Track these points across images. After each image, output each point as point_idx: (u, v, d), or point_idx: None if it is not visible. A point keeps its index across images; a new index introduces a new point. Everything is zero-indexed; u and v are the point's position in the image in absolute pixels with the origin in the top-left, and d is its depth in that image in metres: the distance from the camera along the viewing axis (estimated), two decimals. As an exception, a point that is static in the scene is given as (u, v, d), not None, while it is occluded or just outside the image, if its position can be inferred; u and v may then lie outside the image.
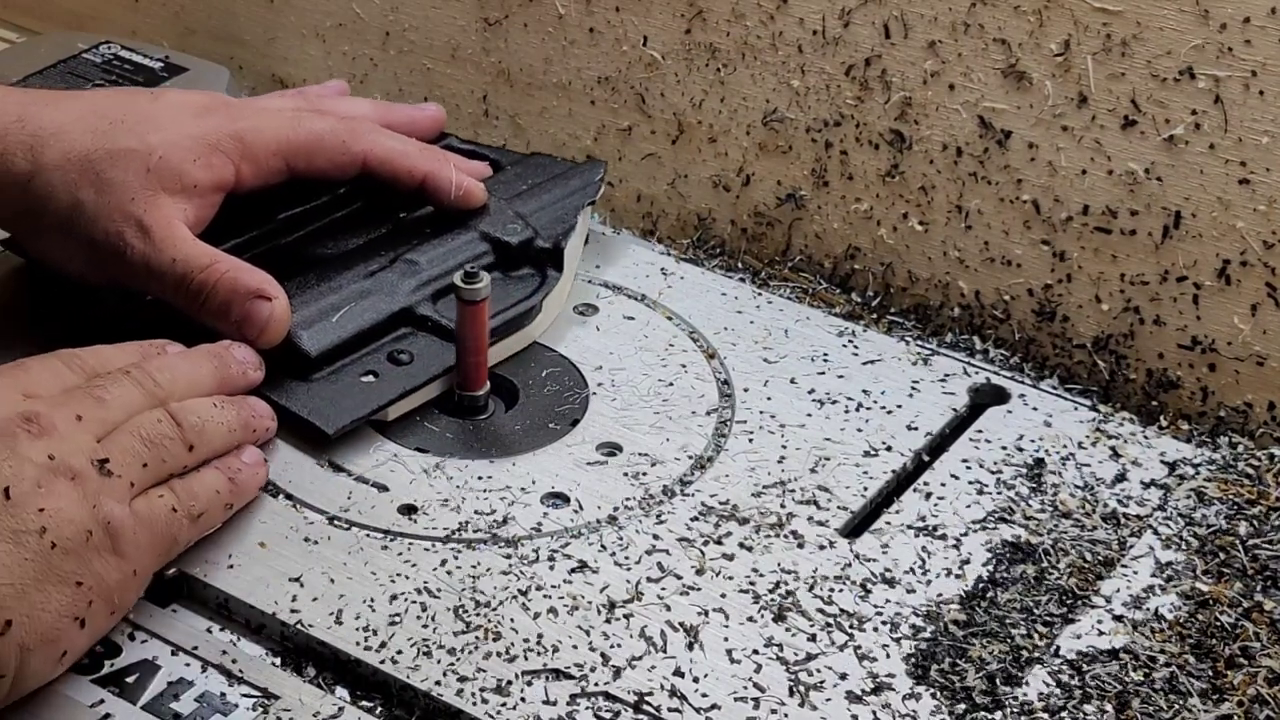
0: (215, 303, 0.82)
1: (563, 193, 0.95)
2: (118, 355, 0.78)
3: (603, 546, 0.77)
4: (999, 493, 0.81)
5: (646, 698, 0.70)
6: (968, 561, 0.77)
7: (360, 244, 0.91)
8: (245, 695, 0.71)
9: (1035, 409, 0.87)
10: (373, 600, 0.74)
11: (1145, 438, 0.85)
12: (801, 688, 0.71)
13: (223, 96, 0.92)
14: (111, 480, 0.70)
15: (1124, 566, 0.77)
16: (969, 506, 0.80)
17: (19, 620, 0.66)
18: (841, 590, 0.76)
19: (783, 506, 0.80)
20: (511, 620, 0.73)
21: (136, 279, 0.84)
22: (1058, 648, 0.73)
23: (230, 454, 0.78)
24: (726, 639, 0.73)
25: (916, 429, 0.85)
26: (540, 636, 0.72)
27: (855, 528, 0.80)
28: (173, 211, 0.84)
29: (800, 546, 0.78)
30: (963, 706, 0.70)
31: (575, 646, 0.72)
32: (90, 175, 0.84)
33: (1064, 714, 0.70)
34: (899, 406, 0.87)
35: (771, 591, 0.75)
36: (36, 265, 0.89)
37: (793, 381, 0.88)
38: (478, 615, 0.73)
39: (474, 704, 0.69)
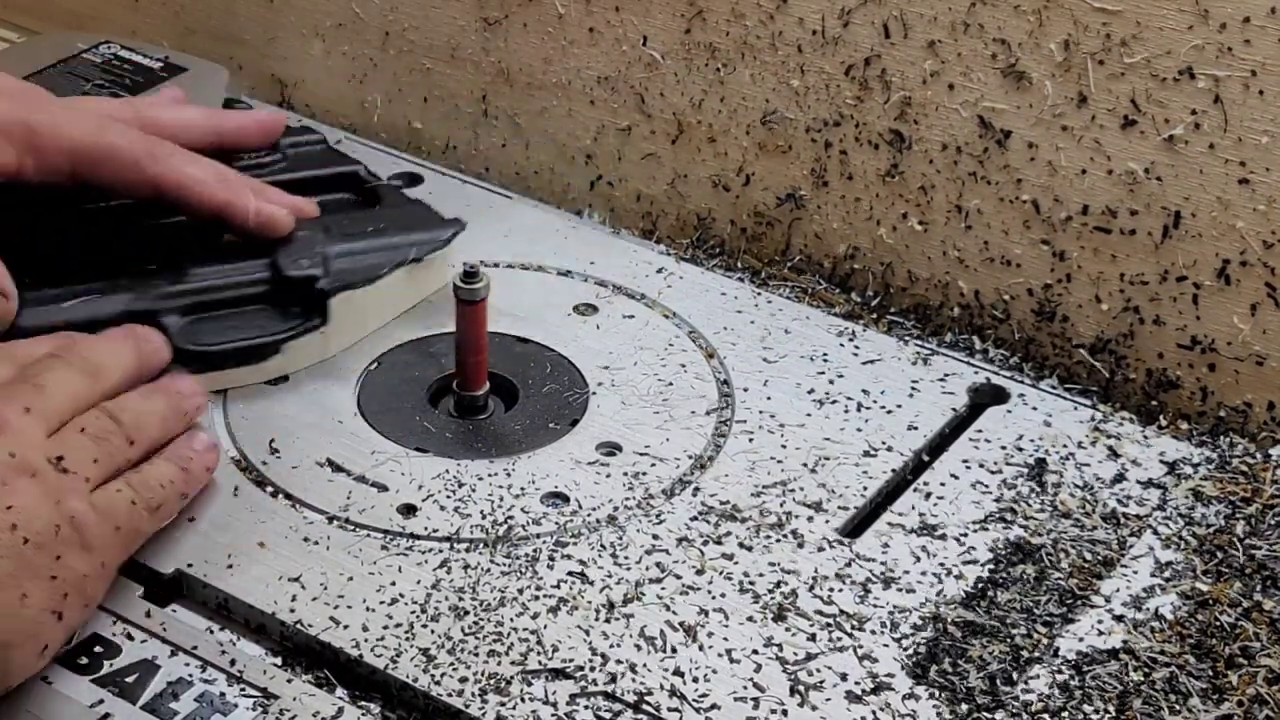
0: None
1: (395, 243, 0.90)
2: (111, 351, 0.79)
3: (603, 546, 0.77)
4: (999, 493, 0.81)
5: (646, 698, 0.70)
6: (968, 561, 0.77)
7: (146, 240, 0.89)
8: (245, 695, 0.71)
9: (1035, 409, 0.87)
10: (372, 600, 0.74)
11: (1145, 437, 0.85)
12: (801, 688, 0.71)
13: (38, 88, 0.90)
14: (69, 477, 0.71)
15: (1124, 566, 0.77)
16: (969, 506, 0.80)
17: (0, 617, 0.67)
18: (841, 590, 0.76)
19: (783, 506, 0.80)
20: (511, 620, 0.73)
21: None
22: (1058, 648, 0.73)
23: (182, 442, 0.78)
24: (726, 639, 0.73)
25: (916, 429, 0.85)
26: (540, 636, 0.72)
27: (855, 528, 0.80)
28: None
29: (800, 546, 0.78)
30: (963, 706, 0.70)
31: (575, 647, 0.72)
32: None
33: (1064, 714, 0.70)
34: (899, 406, 0.87)
35: (771, 591, 0.75)
36: None
37: (793, 382, 0.88)
38: (478, 615, 0.73)
39: (474, 704, 0.69)
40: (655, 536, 0.78)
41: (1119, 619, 0.74)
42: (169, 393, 0.80)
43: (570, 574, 0.76)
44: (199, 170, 0.88)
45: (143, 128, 0.89)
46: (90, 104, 0.92)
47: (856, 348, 0.91)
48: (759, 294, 0.95)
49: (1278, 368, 0.87)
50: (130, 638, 0.73)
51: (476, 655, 0.72)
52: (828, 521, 0.79)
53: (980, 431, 0.85)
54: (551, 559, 0.77)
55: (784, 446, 0.84)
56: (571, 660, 0.71)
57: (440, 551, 0.77)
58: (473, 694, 0.70)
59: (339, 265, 0.88)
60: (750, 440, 0.84)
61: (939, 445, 0.85)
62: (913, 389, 0.88)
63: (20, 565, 0.68)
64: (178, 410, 0.80)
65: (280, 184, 0.92)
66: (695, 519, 0.79)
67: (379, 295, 0.89)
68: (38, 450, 0.71)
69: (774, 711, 0.70)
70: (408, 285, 0.91)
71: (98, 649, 0.72)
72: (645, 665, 0.71)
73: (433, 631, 0.73)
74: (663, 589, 0.75)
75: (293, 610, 0.73)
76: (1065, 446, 0.84)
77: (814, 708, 0.70)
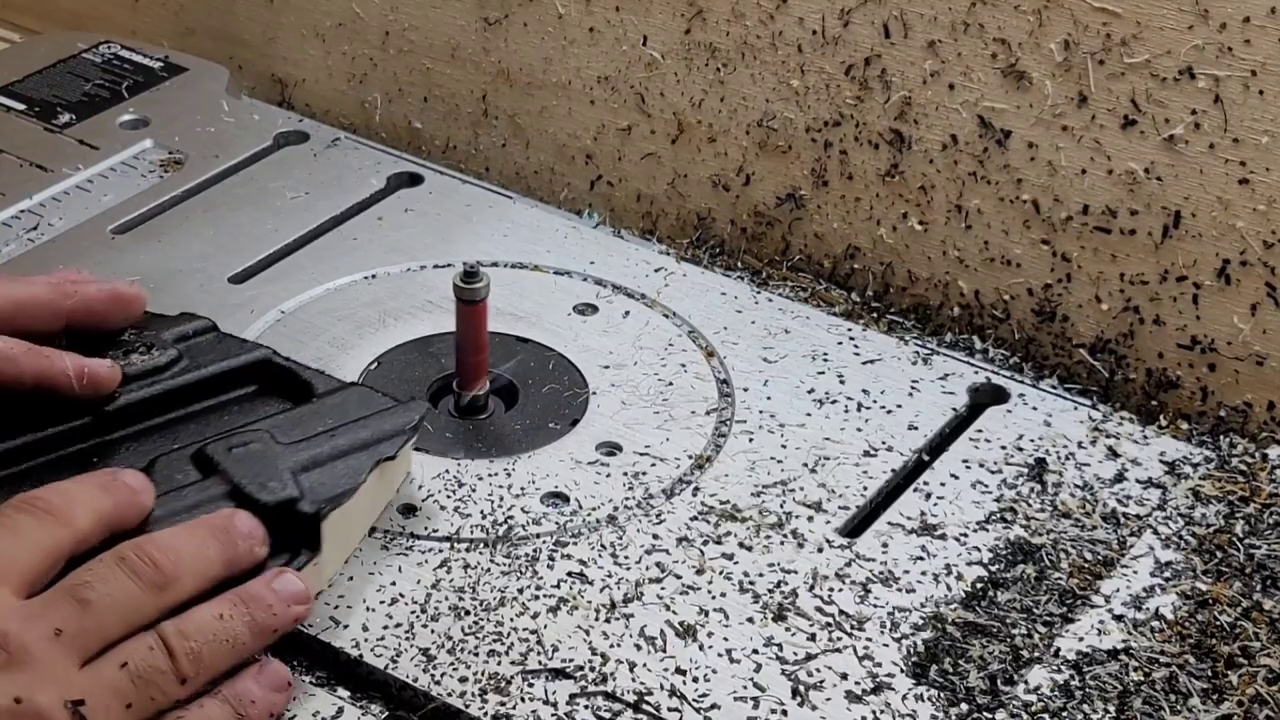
0: None
1: (360, 441, 0.77)
2: (80, 491, 0.69)
3: (603, 546, 0.77)
4: (999, 493, 0.81)
5: (646, 698, 0.70)
6: (968, 562, 0.77)
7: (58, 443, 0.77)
8: (245, 695, 0.70)
9: (1035, 409, 0.87)
10: (372, 600, 0.74)
11: (1145, 437, 0.85)
12: (801, 688, 0.71)
13: None
14: None
15: (1124, 566, 0.77)
16: (969, 506, 0.80)
17: None
18: (841, 590, 0.76)
19: (783, 506, 0.80)
20: (511, 620, 0.73)
21: None
22: (1058, 648, 0.73)
23: (247, 676, 0.68)
24: (726, 639, 0.73)
25: (916, 429, 0.85)
26: (540, 636, 0.72)
27: (855, 528, 0.80)
28: None
29: (800, 546, 0.78)
30: (963, 706, 0.70)
31: (575, 647, 0.72)
32: None
33: (1064, 714, 0.70)
34: (899, 406, 0.87)
35: (771, 591, 0.75)
36: None
37: (793, 382, 0.88)
38: (478, 615, 0.73)
39: (474, 704, 0.69)
40: (655, 536, 0.78)
41: (1119, 619, 0.74)
42: (255, 605, 0.68)
43: (570, 574, 0.76)
44: (3, 345, 0.76)
45: None
46: None
47: (856, 348, 0.91)
48: (759, 294, 0.95)
49: (1278, 368, 0.87)
50: (130, 638, 0.73)
51: (476, 655, 0.72)
52: (828, 521, 0.79)
53: (980, 431, 0.85)
54: (551, 559, 0.77)
55: (784, 446, 0.84)
56: (571, 660, 0.71)
57: (440, 551, 0.77)
58: (473, 694, 0.70)
59: (310, 480, 0.74)
60: (750, 440, 0.84)
61: (939, 445, 0.85)
62: (913, 389, 0.88)
63: None
64: (262, 631, 0.68)
65: (185, 387, 0.80)
66: (695, 519, 0.79)
67: (360, 506, 0.76)
68: (56, 690, 0.61)
69: (774, 711, 0.70)
70: (380, 486, 0.78)
71: (98, 649, 0.72)
72: (645, 665, 0.71)
73: (433, 631, 0.73)
74: (663, 589, 0.75)
75: (293, 610, 0.73)
76: (1065, 446, 0.84)
77: (814, 708, 0.70)
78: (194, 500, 0.72)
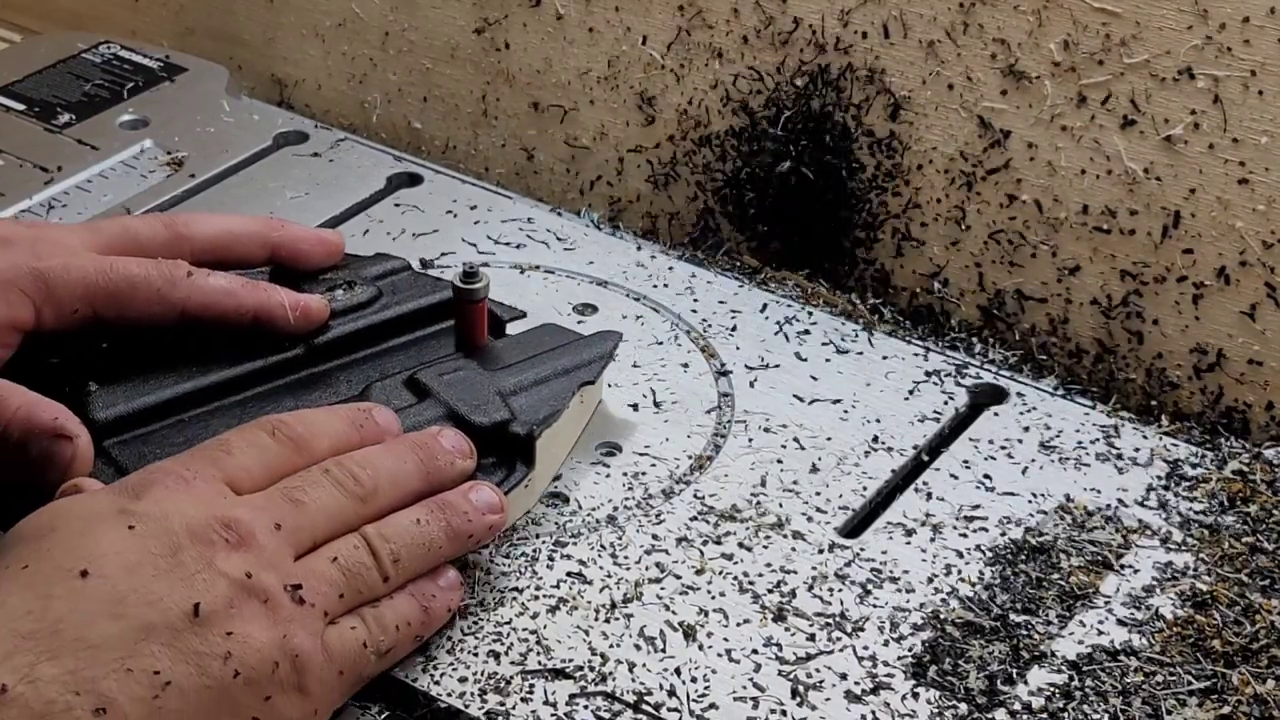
0: (11, 441, 0.73)
1: (560, 368, 0.82)
2: (329, 425, 0.73)
3: (602, 546, 0.77)
4: (999, 493, 0.81)
5: (646, 698, 0.70)
6: (968, 561, 0.77)
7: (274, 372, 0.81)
8: (245, 695, 0.70)
9: (1035, 409, 0.87)
10: (372, 600, 0.74)
11: (1145, 438, 0.85)
12: (801, 688, 0.71)
13: (41, 223, 0.83)
14: (304, 609, 0.66)
15: (1124, 566, 0.77)
16: (969, 507, 0.80)
17: None
18: (841, 590, 0.76)
19: (782, 506, 0.80)
20: (511, 620, 0.73)
21: None
22: (1057, 648, 0.73)
23: (427, 576, 0.72)
24: (726, 639, 0.73)
25: (916, 429, 0.85)
26: (540, 636, 0.73)
27: (855, 527, 0.80)
28: None
29: (800, 547, 0.78)
30: (963, 707, 0.70)
31: (575, 647, 0.72)
32: None
33: (1064, 714, 0.70)
34: (899, 406, 0.87)
35: (771, 591, 0.75)
36: None
37: (793, 381, 0.88)
38: (478, 615, 0.73)
39: (474, 704, 0.69)
40: (655, 536, 0.78)
41: (1119, 619, 0.74)
42: (452, 513, 0.73)
43: (570, 574, 0.76)
44: (224, 281, 0.81)
45: (174, 242, 0.83)
46: (113, 225, 0.84)
47: (857, 348, 0.91)
48: (759, 294, 0.95)
49: (1277, 368, 0.87)
50: (130, 638, 0.72)
51: (476, 655, 0.72)
52: (828, 521, 0.79)
53: (981, 431, 0.85)
54: (551, 559, 0.77)
55: (784, 446, 0.84)
56: (571, 660, 0.72)
57: (440, 551, 0.77)
58: (473, 694, 0.70)
59: (519, 403, 0.79)
60: (750, 440, 0.84)
61: (939, 445, 0.85)
62: (913, 389, 0.88)
63: (220, 700, 0.62)
64: (457, 536, 0.73)
65: (387, 322, 0.84)
66: (695, 519, 0.79)
67: (566, 428, 0.81)
68: (277, 574, 0.66)
69: (774, 711, 0.70)
70: (581, 410, 0.83)
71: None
72: (645, 665, 0.72)
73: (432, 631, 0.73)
74: (662, 589, 0.75)
75: (293, 610, 0.73)
76: (1065, 446, 0.84)
77: (814, 707, 0.70)
78: (413, 423, 0.76)
